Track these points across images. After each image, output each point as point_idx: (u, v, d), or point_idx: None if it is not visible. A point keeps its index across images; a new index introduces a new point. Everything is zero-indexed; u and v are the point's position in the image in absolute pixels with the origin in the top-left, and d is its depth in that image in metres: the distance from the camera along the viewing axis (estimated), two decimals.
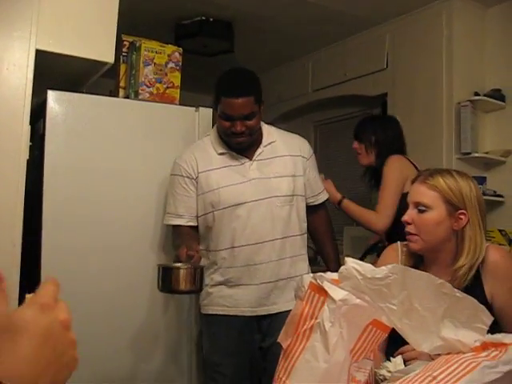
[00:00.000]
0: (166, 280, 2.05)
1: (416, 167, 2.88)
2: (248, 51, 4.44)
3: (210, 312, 2.41)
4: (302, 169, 2.47)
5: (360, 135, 3.03)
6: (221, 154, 2.42)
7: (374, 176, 3.04)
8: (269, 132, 2.49)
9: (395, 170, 2.83)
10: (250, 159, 2.41)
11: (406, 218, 1.78)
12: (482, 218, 1.75)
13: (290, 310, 1.22)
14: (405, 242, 1.85)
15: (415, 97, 3.65)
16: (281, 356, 1.18)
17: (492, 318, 1.11)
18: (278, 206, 2.38)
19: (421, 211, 1.75)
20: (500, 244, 3.37)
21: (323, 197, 2.62)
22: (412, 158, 3.51)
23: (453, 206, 1.72)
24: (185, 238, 2.41)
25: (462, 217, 1.71)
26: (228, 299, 2.37)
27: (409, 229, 1.77)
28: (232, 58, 4.27)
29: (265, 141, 2.45)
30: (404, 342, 1.22)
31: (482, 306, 1.11)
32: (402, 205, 2.49)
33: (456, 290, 1.12)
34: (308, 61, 4.62)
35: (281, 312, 2.31)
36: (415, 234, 1.75)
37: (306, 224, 2.51)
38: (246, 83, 2.41)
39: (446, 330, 1.13)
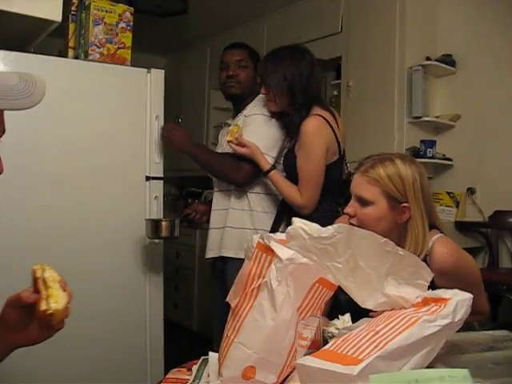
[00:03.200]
0: (151, 229, 2.61)
1: (332, 127, 2.49)
2: (202, 13, 4.38)
3: None
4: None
5: (265, 76, 2.55)
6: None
7: (288, 126, 2.57)
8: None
9: (318, 135, 2.44)
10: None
11: (348, 210, 1.75)
12: (427, 208, 1.70)
13: None
14: None
15: (368, 61, 3.67)
16: (229, 315, 1.20)
17: (432, 275, 1.14)
18: None
19: (363, 205, 1.70)
20: (448, 206, 3.47)
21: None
22: (364, 122, 3.56)
23: (395, 200, 1.66)
24: None
25: (405, 210, 1.67)
26: None
27: (352, 221, 1.72)
28: (186, 20, 4.22)
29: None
30: (350, 304, 1.25)
31: (423, 263, 1.15)
32: (328, 179, 2.45)
33: (399, 248, 1.15)
34: (263, 23, 4.57)
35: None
36: (358, 226, 1.67)
37: None
38: (242, 43, 2.90)
39: (390, 286, 1.16)
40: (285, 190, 2.51)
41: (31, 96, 0.95)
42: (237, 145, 2.54)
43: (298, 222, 1.17)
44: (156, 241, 2.69)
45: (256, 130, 2.58)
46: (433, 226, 1.74)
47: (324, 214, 2.46)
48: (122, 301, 2.60)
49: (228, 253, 2.62)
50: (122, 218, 2.61)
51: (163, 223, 2.63)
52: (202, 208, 2.97)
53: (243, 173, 2.60)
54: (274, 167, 2.55)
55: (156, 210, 2.69)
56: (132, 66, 2.68)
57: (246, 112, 2.72)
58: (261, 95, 2.68)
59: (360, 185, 1.70)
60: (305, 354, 1.18)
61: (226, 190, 2.71)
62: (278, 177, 2.54)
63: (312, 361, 1.01)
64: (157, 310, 2.71)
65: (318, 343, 1.31)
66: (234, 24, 4.75)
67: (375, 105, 3.61)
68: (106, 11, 2.60)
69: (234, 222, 2.64)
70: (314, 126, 2.45)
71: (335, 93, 4.06)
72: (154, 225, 2.61)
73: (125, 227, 2.62)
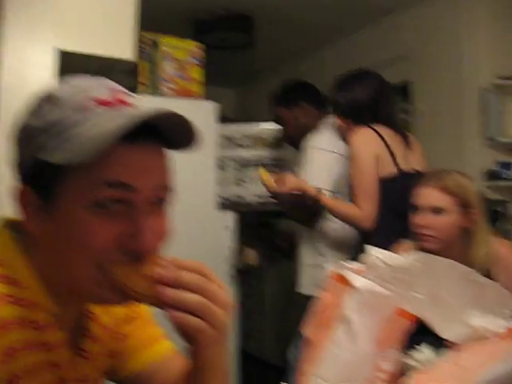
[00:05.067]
0: (239, 257, 2.66)
1: (384, 140, 2.38)
2: (268, 44, 4.43)
3: None
4: None
5: (336, 106, 2.49)
6: None
7: None
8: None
9: (363, 143, 2.35)
10: None
11: (421, 222, 1.85)
12: (485, 213, 1.86)
13: None
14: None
15: (438, 83, 3.60)
16: (304, 346, 1.18)
17: None
18: None
19: (436, 214, 1.82)
20: None
21: None
22: (436, 146, 3.48)
23: (464, 207, 1.81)
24: None
25: (473, 216, 1.80)
26: None
27: (425, 231, 1.83)
28: (252, 52, 4.28)
29: None
30: (428, 332, 1.20)
31: (507, 292, 1.09)
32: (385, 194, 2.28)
33: (482, 277, 1.10)
34: (329, 52, 4.58)
35: None
36: (432, 236, 1.82)
37: None
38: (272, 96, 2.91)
39: (473, 317, 1.12)
40: (342, 209, 2.35)
41: (60, 147, 0.70)
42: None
43: (373, 251, 1.14)
44: (229, 270, 2.71)
45: (307, 164, 2.53)
46: None
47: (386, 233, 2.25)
48: None
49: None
50: (193, 248, 2.63)
51: (250, 251, 2.71)
52: (291, 239, 2.96)
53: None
54: (321, 191, 2.38)
55: (228, 240, 2.70)
56: (202, 99, 2.74)
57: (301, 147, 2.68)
58: (321, 126, 2.67)
59: (432, 195, 1.84)
60: None
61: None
62: (329, 199, 2.38)
63: None
64: (229, 339, 2.71)
65: (398, 376, 1.26)
66: (299, 54, 4.78)
67: (447, 127, 3.53)
68: (176, 48, 2.68)
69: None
70: (360, 134, 2.36)
71: (404, 117, 4.00)
72: (242, 253, 2.68)
73: (197, 257, 2.64)
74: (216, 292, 0.75)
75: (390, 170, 2.34)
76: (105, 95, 0.74)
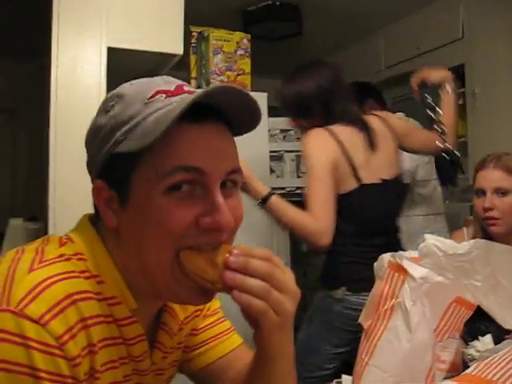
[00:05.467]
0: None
1: (342, 142, 2.01)
2: (317, 32, 4.38)
3: None
4: None
5: (287, 109, 2.21)
6: None
7: None
8: None
9: (315, 146, 1.99)
10: None
11: (487, 204, 1.83)
12: None
13: None
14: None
15: (495, 65, 3.48)
16: (362, 337, 1.17)
17: None
18: None
19: (501, 195, 1.82)
20: None
21: None
22: (494, 130, 3.37)
23: None
24: None
25: None
26: None
27: (491, 214, 1.82)
28: (301, 41, 4.25)
29: None
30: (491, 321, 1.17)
31: None
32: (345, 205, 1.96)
33: None
34: (379, 37, 4.50)
35: None
36: (498, 218, 1.81)
37: None
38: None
39: None
40: (297, 216, 1.91)
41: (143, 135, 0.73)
42: None
43: (430, 239, 1.11)
44: (286, 258, 2.76)
45: None
46: None
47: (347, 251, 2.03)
48: None
49: None
50: (250, 237, 2.64)
51: None
52: None
53: None
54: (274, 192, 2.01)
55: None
56: (252, 90, 2.73)
57: None
58: None
59: (496, 177, 1.82)
60: (444, 378, 1.12)
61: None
62: (282, 202, 1.96)
63: None
64: None
65: (458, 366, 1.24)
66: (349, 41, 4.71)
67: (505, 111, 3.42)
68: (224, 40, 2.69)
69: None
70: (313, 137, 2.03)
71: (460, 102, 3.88)
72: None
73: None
74: (282, 280, 0.76)
75: (348, 179, 2.00)
76: (169, 87, 0.79)
